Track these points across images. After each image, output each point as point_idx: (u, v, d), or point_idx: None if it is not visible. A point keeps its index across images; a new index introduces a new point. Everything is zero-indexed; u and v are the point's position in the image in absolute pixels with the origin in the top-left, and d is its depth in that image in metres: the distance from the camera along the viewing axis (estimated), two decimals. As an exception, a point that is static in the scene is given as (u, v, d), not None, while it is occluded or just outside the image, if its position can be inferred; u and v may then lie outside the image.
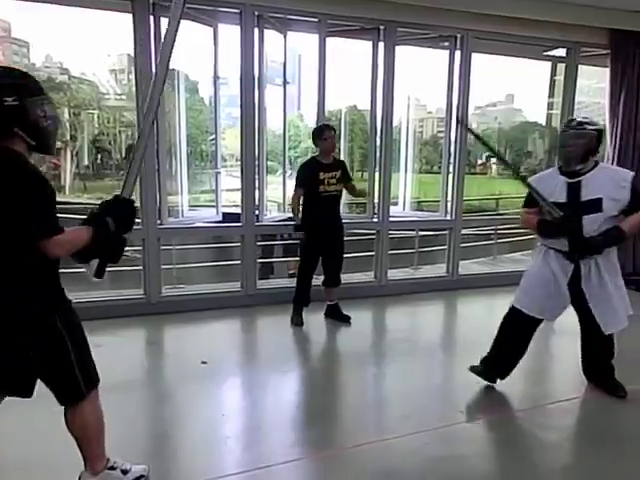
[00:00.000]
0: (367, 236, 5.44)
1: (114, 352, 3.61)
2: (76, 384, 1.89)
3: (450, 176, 5.37)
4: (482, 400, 3.04)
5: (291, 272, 5.80)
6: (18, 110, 1.68)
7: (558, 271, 2.84)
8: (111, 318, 4.13)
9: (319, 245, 4.17)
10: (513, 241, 7.75)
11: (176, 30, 1.91)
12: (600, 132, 2.80)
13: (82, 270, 1.92)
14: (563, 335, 4.25)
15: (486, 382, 3.18)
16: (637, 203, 2.71)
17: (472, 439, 2.65)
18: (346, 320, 4.33)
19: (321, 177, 4.07)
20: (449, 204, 5.40)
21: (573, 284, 2.83)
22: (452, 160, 5.38)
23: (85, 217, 1.87)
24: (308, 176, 4.10)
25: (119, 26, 4.81)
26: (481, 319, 4.71)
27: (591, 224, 2.70)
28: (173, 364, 3.62)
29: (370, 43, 4.86)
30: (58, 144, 16.30)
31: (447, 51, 5.14)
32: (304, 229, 4.15)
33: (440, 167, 5.67)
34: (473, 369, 3.16)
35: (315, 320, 4.37)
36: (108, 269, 1.89)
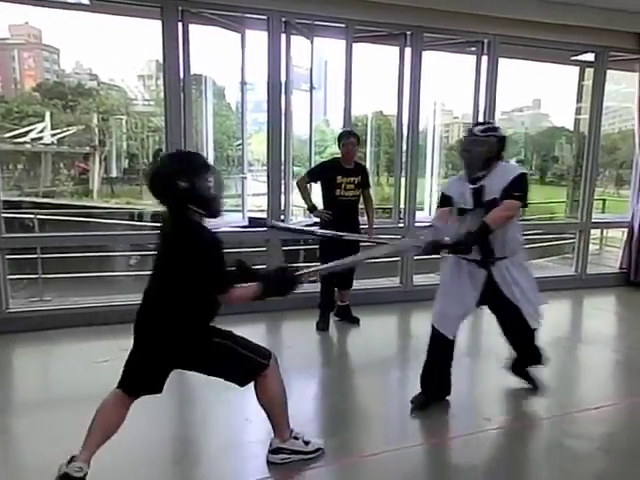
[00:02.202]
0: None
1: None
2: (251, 360, 2.22)
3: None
4: (509, 407, 2.98)
5: (312, 278, 5.79)
6: (190, 190, 2.01)
7: (472, 283, 2.82)
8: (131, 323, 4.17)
9: (336, 248, 4.16)
10: (539, 247, 7.63)
11: None
12: (503, 138, 2.77)
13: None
14: (590, 343, 4.19)
15: (513, 388, 3.15)
16: (509, 193, 2.65)
17: (498, 447, 2.59)
18: (355, 322, 4.36)
19: (339, 181, 4.10)
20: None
21: (486, 291, 2.82)
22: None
23: (255, 271, 2.25)
24: (322, 173, 4.18)
25: (148, 32, 4.90)
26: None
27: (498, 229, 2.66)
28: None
29: (397, 48, 4.83)
30: (86, 149, 16.68)
31: (474, 56, 5.07)
32: (322, 227, 4.15)
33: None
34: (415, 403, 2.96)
35: (338, 325, 4.38)
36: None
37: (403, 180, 5.05)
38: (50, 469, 2.13)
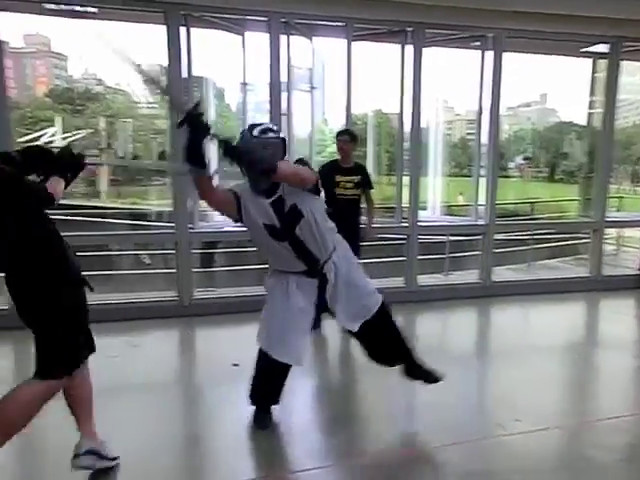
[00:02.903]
0: (396, 241, 5.40)
1: (148, 352, 3.74)
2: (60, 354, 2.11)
3: (482, 179, 5.29)
4: (522, 413, 2.82)
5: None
6: None
7: (305, 299, 2.55)
8: (146, 319, 4.24)
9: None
10: (549, 247, 7.54)
11: None
12: (284, 140, 2.45)
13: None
14: (608, 348, 4.07)
15: (526, 392, 3.07)
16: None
17: (512, 455, 2.46)
18: None
19: (337, 180, 4.14)
20: (481, 208, 5.31)
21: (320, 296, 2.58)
22: (484, 163, 5.29)
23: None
24: (323, 176, 4.16)
25: (150, 37, 4.96)
26: (516, 328, 4.61)
27: (309, 233, 2.43)
28: (205, 365, 3.69)
29: (397, 46, 4.85)
30: (94, 152, 16.88)
31: (477, 51, 5.06)
32: None
33: (470, 170, 5.59)
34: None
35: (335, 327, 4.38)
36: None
37: (405, 179, 5.06)
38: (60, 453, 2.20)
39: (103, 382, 2.65)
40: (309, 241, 2.45)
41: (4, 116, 3.97)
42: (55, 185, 2.03)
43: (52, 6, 4.34)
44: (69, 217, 7.51)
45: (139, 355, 3.71)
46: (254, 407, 2.78)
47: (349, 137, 4.20)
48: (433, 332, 4.54)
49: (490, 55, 5.02)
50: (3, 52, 4.03)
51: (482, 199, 5.30)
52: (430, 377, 2.83)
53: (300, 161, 2.68)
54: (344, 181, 4.16)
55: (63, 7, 4.39)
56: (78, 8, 4.40)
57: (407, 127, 4.95)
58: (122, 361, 3.56)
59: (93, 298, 4.54)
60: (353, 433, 2.75)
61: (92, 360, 3.48)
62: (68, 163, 2.10)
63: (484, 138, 5.30)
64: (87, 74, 18.76)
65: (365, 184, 4.27)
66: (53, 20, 4.75)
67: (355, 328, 2.62)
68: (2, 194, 1.89)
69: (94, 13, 4.53)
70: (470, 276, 5.58)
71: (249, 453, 2.58)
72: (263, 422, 2.74)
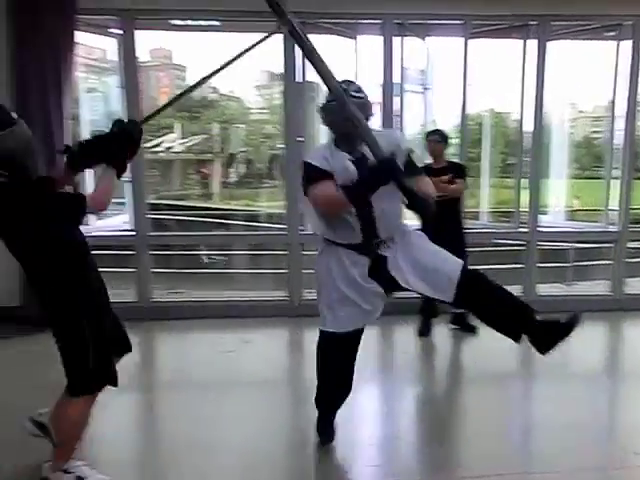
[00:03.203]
0: (514, 247, 5.10)
1: (262, 350, 3.90)
2: (82, 372, 1.97)
3: (614, 181, 4.80)
4: None
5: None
6: None
7: (358, 275, 2.28)
8: (260, 317, 4.43)
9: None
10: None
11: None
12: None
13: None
14: None
15: None
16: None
17: None
18: (471, 330, 4.13)
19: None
20: (613, 213, 4.82)
21: (378, 274, 2.28)
22: (616, 163, 4.79)
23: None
24: None
25: (262, 45, 5.16)
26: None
27: (379, 204, 2.21)
28: (313, 366, 3.75)
29: (519, 41, 4.57)
30: (208, 156, 18.09)
31: (611, 42, 4.61)
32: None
33: (594, 172, 5.11)
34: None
35: (454, 333, 4.24)
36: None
37: (523, 181, 4.75)
38: (187, 444, 2.38)
39: (221, 374, 2.81)
40: (377, 213, 2.26)
41: (137, 125, 4.36)
42: (100, 190, 1.93)
43: (178, 22, 4.71)
44: (185, 218, 8.10)
45: (251, 352, 3.87)
46: (319, 415, 2.62)
47: (439, 137, 4.03)
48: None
49: (628, 45, 4.53)
50: (138, 68, 4.43)
51: (614, 203, 4.80)
52: (566, 326, 2.44)
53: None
54: (436, 182, 3.99)
55: (190, 22, 4.75)
56: (203, 22, 4.73)
57: (527, 126, 4.64)
58: (236, 356, 3.75)
59: (210, 295, 4.87)
60: (462, 448, 2.64)
61: (209, 354, 3.75)
62: (119, 144, 1.94)
63: (617, 136, 4.80)
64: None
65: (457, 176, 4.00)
66: (175, 34, 5.14)
67: (449, 298, 2.36)
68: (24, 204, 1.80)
69: (217, 26, 4.84)
70: (598, 287, 5.08)
71: (351, 458, 2.57)
72: (327, 435, 2.58)
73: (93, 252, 2.10)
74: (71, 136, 4.13)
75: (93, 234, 4.59)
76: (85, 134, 4.52)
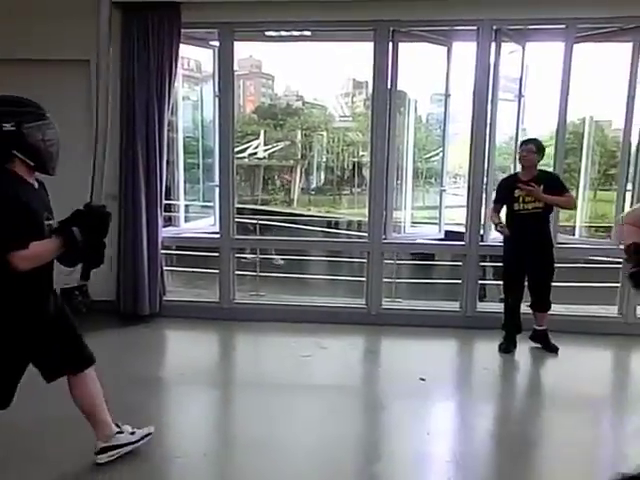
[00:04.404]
0: (610, 264, 4.73)
1: (335, 355, 3.93)
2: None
3: None
4: None
5: (502, 296, 5.46)
6: (15, 135, 1.85)
7: None
8: (336, 324, 4.45)
9: (519, 264, 3.90)
10: None
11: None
12: None
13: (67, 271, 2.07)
14: None
15: None
16: None
17: None
18: (553, 350, 3.96)
19: (516, 194, 3.84)
20: None
21: None
22: None
23: (55, 227, 1.96)
24: (502, 191, 3.98)
25: (346, 53, 5.23)
26: None
27: None
28: (389, 375, 3.71)
29: (629, 45, 4.24)
30: (290, 162, 18.56)
31: None
32: (504, 243, 4.01)
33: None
34: None
35: (534, 352, 4.05)
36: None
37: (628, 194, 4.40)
38: (260, 443, 2.45)
39: (298, 378, 2.86)
40: None
41: (229, 132, 4.56)
42: (38, 246, 1.87)
43: (272, 33, 4.88)
44: (269, 222, 8.33)
45: (327, 357, 3.89)
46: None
47: (535, 146, 3.85)
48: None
49: None
50: (235, 78, 4.64)
51: None
52: None
53: None
54: (523, 195, 3.82)
55: (283, 33, 4.91)
56: (295, 33, 4.87)
57: (633, 137, 4.31)
58: (313, 360, 3.80)
59: (289, 299, 4.97)
60: (542, 471, 2.55)
61: (286, 357, 3.83)
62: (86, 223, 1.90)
63: None
64: (289, 91, 20.80)
65: (552, 190, 3.81)
66: (266, 45, 5.32)
67: None
68: None
69: (308, 36, 4.96)
70: None
71: (426, 472, 2.52)
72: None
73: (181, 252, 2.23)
74: (165, 142, 4.40)
75: (181, 235, 4.89)
76: (179, 139, 4.79)
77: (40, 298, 2.05)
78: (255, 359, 4.04)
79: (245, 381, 3.57)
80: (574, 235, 4.80)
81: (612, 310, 4.53)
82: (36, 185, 2.03)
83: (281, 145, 18.12)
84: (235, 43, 4.46)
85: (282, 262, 7.05)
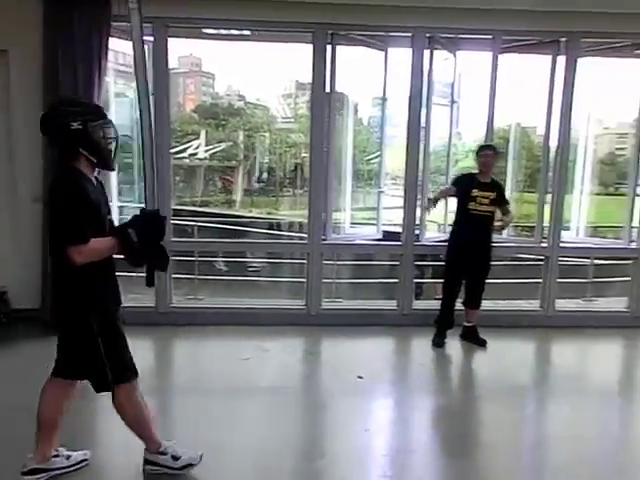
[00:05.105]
0: (534, 262, 5.05)
1: (275, 358, 3.90)
2: (104, 378, 2.11)
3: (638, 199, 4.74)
4: None
5: (438, 296, 5.67)
6: (81, 133, 1.99)
7: None
8: (277, 325, 4.44)
9: (461, 264, 4.09)
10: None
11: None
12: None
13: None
14: None
15: None
16: None
17: None
18: (482, 344, 4.17)
19: (474, 194, 4.03)
20: (635, 230, 4.75)
21: None
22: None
23: (114, 227, 2.14)
24: (461, 185, 4.15)
25: (289, 54, 5.26)
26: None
27: None
28: (329, 375, 3.77)
29: (547, 57, 4.54)
30: (232, 163, 18.30)
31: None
32: (450, 240, 4.20)
33: (618, 188, 5.05)
34: None
35: (463, 346, 4.25)
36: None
37: (548, 197, 4.71)
38: (202, 447, 2.40)
39: (237, 381, 2.85)
40: None
41: (165, 131, 4.42)
42: (96, 243, 2.00)
43: (211, 31, 4.81)
44: (209, 224, 8.17)
45: (268, 359, 3.88)
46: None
47: (493, 152, 4.10)
48: (570, 361, 4.21)
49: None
50: (169, 75, 4.53)
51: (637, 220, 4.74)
52: None
53: None
54: (480, 196, 4.04)
55: (222, 31, 4.85)
56: (235, 32, 4.82)
57: (553, 142, 4.62)
58: (253, 363, 3.77)
59: (229, 302, 4.90)
60: (477, 461, 2.65)
61: (226, 360, 3.78)
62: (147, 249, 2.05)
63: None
64: (230, 91, 20.48)
65: (501, 201, 4.13)
66: (206, 43, 5.22)
67: None
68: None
69: (247, 35, 4.93)
70: (618, 304, 5.01)
71: (363, 467, 2.57)
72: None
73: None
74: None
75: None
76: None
77: (106, 291, 2.14)
78: (193, 363, 3.96)
79: (183, 387, 3.49)
80: (502, 234, 5.07)
81: (535, 304, 4.83)
82: (95, 182, 2.13)
83: (223, 145, 17.81)
84: (171, 39, 4.35)
85: (225, 268, 6.93)
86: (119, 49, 4.65)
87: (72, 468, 2.31)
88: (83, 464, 2.36)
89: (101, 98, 4.19)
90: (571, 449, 2.69)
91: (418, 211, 4.60)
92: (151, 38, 4.33)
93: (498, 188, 4.16)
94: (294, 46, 4.95)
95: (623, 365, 4.32)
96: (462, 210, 4.11)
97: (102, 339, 2.08)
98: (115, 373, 2.13)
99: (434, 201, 4.19)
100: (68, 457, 2.32)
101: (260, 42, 5.00)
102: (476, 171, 4.18)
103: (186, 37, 4.91)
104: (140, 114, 2.03)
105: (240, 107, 19.52)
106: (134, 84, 4.89)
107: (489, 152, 4.08)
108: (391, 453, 2.70)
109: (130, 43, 2.02)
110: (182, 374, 3.79)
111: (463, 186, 4.13)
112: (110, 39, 4.12)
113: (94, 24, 4.03)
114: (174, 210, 4.87)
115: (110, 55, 4.25)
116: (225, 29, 4.71)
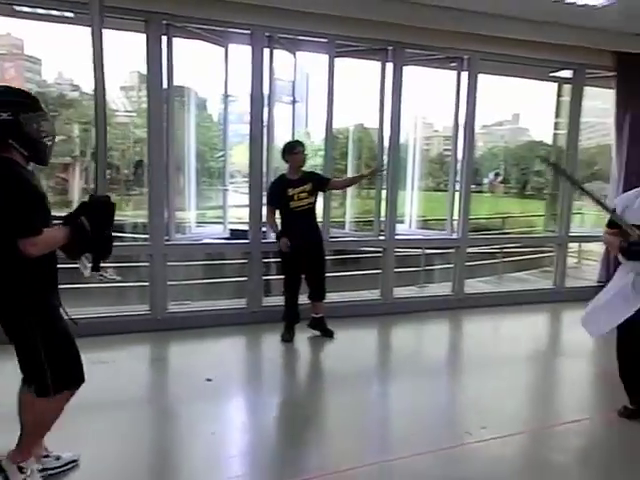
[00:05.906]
0: (374, 254, 5.44)
1: (119, 369, 3.62)
2: (44, 381, 2.01)
3: (457, 194, 5.39)
4: (490, 421, 2.98)
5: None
6: (12, 124, 1.89)
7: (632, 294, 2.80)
8: (117, 334, 4.12)
9: (297, 260, 4.19)
10: (519, 260, 7.74)
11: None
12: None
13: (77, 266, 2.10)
14: (569, 356, 4.27)
15: (492, 401, 3.23)
16: None
17: (480, 460, 2.61)
18: (329, 335, 4.36)
19: (290, 193, 4.14)
20: (455, 222, 5.41)
21: None
22: (458, 178, 5.41)
23: (64, 216, 2.02)
24: (276, 193, 4.22)
25: (130, 44, 4.92)
26: (486, 338, 4.70)
27: None
28: (177, 381, 3.61)
29: (378, 63, 4.92)
30: (67, 159, 16.49)
31: (454, 72, 5.19)
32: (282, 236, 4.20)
33: (446, 185, 5.71)
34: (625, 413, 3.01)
35: (312, 338, 4.39)
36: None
37: (384, 193, 5.11)
38: None
39: (74, 400, 2.55)
40: None
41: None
42: (49, 233, 1.91)
43: (26, 9, 4.24)
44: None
45: (108, 372, 3.54)
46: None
47: (303, 148, 4.21)
48: (408, 343, 4.61)
49: (466, 76, 5.16)
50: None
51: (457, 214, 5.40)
52: None
53: None
54: (297, 192, 4.15)
55: (38, 11, 4.30)
56: (54, 12, 4.31)
57: (387, 142, 5.01)
58: (92, 378, 3.43)
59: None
60: (326, 447, 2.76)
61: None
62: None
63: (460, 154, 5.41)
64: (62, 79, 18.41)
65: (320, 185, 4.26)
66: (27, 23, 4.62)
67: None
68: None
69: (71, 18, 4.45)
70: (444, 288, 5.66)
71: (213, 471, 2.51)
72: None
73: None
74: None
75: None
76: None
77: (46, 289, 2.02)
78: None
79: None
80: (344, 229, 5.38)
81: (376, 293, 5.22)
82: (34, 173, 2.02)
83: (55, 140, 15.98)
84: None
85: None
86: None
87: (62, 469, 2.30)
88: (72, 465, 2.34)
89: None
90: (410, 420, 2.99)
91: (263, 208, 4.61)
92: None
93: (310, 176, 4.24)
94: (130, 35, 4.61)
95: (450, 343, 4.84)
96: (286, 210, 4.19)
97: (42, 340, 1.97)
98: (56, 377, 2.02)
99: (275, 232, 4.24)
100: (58, 458, 2.31)
101: (87, 27, 4.53)
102: (284, 172, 4.27)
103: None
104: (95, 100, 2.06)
105: (74, 98, 17.66)
106: None
107: (301, 148, 4.17)
108: (240, 453, 2.67)
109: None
110: (8, 391, 3.29)
111: (278, 192, 4.19)
112: None
113: None
114: None
115: None
116: (42, 8, 4.19)
